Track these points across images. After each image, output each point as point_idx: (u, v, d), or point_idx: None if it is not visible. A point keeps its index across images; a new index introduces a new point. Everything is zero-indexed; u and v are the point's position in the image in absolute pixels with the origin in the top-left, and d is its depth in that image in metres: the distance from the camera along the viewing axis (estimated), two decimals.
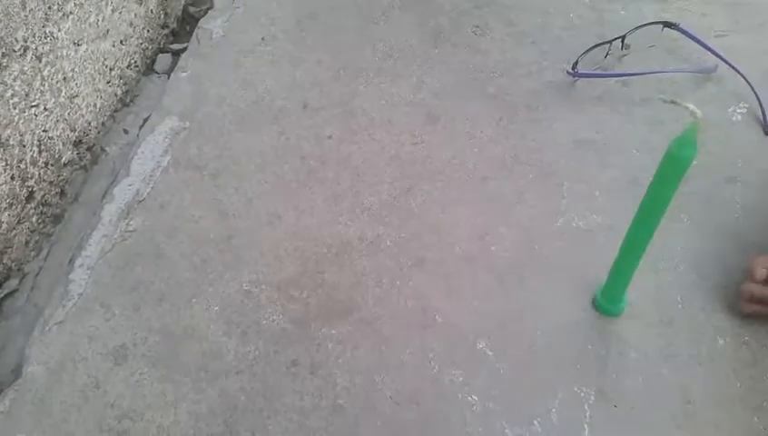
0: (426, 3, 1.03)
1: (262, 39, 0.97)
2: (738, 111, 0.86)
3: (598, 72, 0.90)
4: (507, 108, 0.87)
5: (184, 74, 0.92)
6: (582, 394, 0.61)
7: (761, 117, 0.85)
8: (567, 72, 0.89)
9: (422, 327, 0.66)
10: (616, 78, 0.89)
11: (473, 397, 0.61)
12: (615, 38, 0.91)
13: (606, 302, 0.65)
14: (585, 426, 0.59)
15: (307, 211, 0.76)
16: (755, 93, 0.87)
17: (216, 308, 0.67)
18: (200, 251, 0.72)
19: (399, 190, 0.78)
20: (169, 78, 0.92)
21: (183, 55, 0.95)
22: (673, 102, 0.50)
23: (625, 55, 0.94)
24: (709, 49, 0.91)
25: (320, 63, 0.93)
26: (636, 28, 0.93)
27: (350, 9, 1.02)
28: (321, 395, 0.61)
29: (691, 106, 0.48)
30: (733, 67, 0.89)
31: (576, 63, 0.88)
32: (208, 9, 1.03)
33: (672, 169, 0.52)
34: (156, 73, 0.96)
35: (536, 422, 0.59)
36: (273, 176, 0.79)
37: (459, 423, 0.59)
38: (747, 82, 0.88)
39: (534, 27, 0.98)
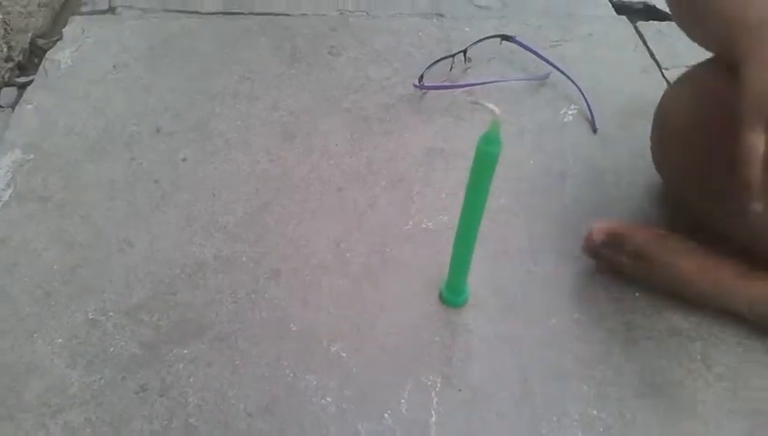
0: (282, 26, 1.06)
1: (114, 67, 0.96)
2: (569, 112, 0.95)
3: (444, 84, 0.96)
4: (360, 122, 0.91)
5: (30, 106, 0.89)
6: (429, 383, 0.63)
7: (589, 117, 0.94)
8: (414, 85, 0.94)
9: (277, 337, 0.67)
10: (461, 89, 0.96)
11: (327, 399, 0.62)
12: (458, 52, 0.98)
13: (450, 295, 0.69)
14: (433, 412, 0.61)
15: (160, 234, 0.75)
16: (584, 96, 0.95)
17: (60, 340, 0.65)
18: (43, 284, 0.69)
19: (255, 207, 0.79)
20: (13, 111, 0.89)
21: (30, 88, 0.92)
22: (476, 103, 0.55)
23: (468, 68, 1.00)
24: (543, 58, 1.00)
25: (173, 88, 0.93)
26: (477, 42, 1.00)
27: (206, 34, 1.04)
28: (172, 417, 0.60)
29: (490, 105, 0.53)
30: (563, 73, 0.98)
31: (422, 76, 0.94)
32: (57, 40, 1.00)
33: (482, 165, 0.56)
34: (0, 107, 0.92)
35: (386, 415, 0.61)
36: (124, 203, 0.78)
37: (314, 426, 0.60)
38: (577, 86, 0.97)
39: (385, 46, 1.03)
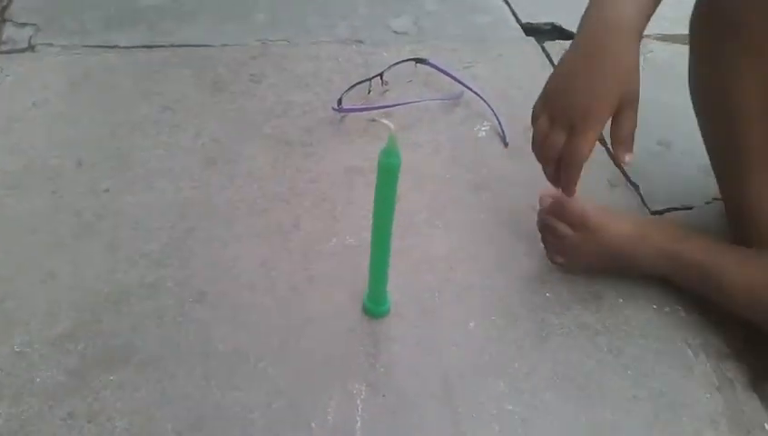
0: (203, 57, 1.09)
1: (33, 104, 0.96)
2: (482, 128, 1.01)
3: (362, 106, 1.00)
4: (283, 146, 0.94)
5: None
6: (354, 391, 0.66)
7: (500, 133, 1.00)
8: (333, 109, 0.98)
9: (204, 358, 0.68)
10: (379, 110, 1.00)
11: (254, 414, 0.64)
12: (375, 76, 1.03)
13: (372, 306, 0.72)
14: (358, 418, 0.64)
15: (83, 264, 0.75)
16: (494, 113, 1.02)
17: None
18: None
19: (180, 232, 0.80)
20: None
21: None
22: (373, 120, 0.58)
23: (386, 90, 1.05)
24: (456, 79, 1.06)
25: (94, 121, 0.94)
26: (393, 66, 1.05)
27: (126, 67, 1.05)
28: None
29: (385, 121, 0.57)
30: (475, 93, 1.04)
31: (341, 100, 0.98)
32: None
33: (385, 177, 0.60)
34: None
35: (313, 425, 0.63)
36: (47, 235, 0.78)
37: None
38: (488, 104, 1.03)
39: (306, 72, 1.07)
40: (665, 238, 0.74)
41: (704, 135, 0.78)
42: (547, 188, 0.75)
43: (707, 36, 0.72)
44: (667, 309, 0.76)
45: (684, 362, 0.71)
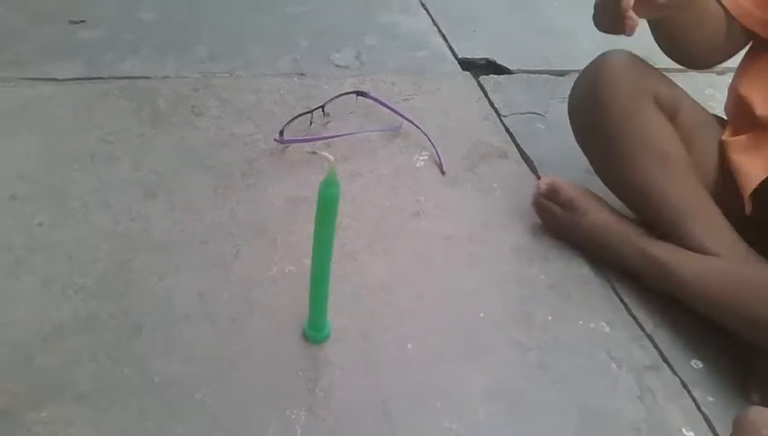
0: (143, 89, 1.09)
1: None
2: (421, 158, 1.04)
3: (304, 137, 1.02)
4: (224, 177, 0.94)
5: None
6: (293, 417, 0.66)
7: (438, 162, 1.03)
8: (275, 139, 0.99)
9: (141, 391, 0.67)
10: (321, 141, 1.03)
11: None
12: (316, 108, 1.05)
13: (312, 332, 0.73)
14: None
15: (14, 300, 0.74)
16: (432, 143, 1.05)
17: None
18: None
19: (116, 265, 0.79)
20: None
21: None
22: (314, 152, 0.61)
23: (328, 122, 1.08)
24: (395, 111, 1.09)
25: (29, 154, 0.93)
26: (333, 98, 1.08)
27: (63, 99, 1.04)
28: None
29: (325, 154, 0.59)
30: (413, 124, 1.08)
31: (282, 131, 1.00)
32: None
33: (325, 206, 0.62)
34: None
35: None
36: None
37: None
38: (425, 134, 1.06)
39: (248, 104, 1.09)
40: (637, 233, 0.85)
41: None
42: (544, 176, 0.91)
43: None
44: (592, 325, 0.80)
45: (609, 375, 0.75)
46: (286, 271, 0.82)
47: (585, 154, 0.92)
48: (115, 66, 1.15)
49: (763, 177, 0.79)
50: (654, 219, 0.85)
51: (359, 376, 0.71)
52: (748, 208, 0.81)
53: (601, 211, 0.87)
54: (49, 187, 0.88)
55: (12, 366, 0.67)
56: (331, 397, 0.69)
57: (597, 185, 0.91)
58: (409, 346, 0.75)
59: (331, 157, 0.60)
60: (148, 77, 1.13)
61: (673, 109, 0.86)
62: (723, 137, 0.88)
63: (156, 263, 0.80)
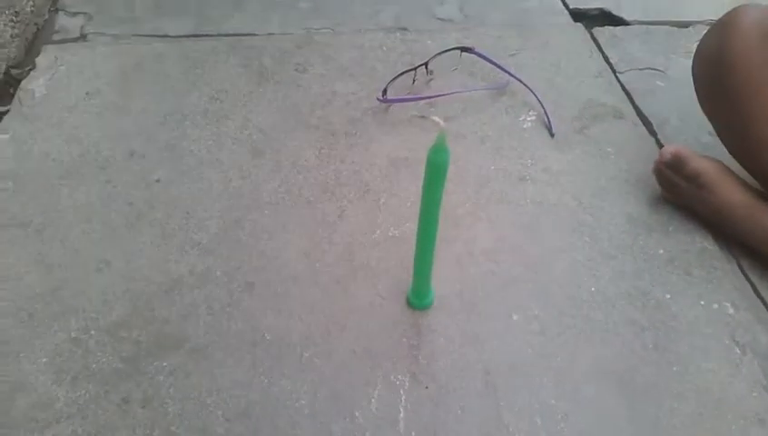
0: (249, 46, 1.10)
1: (87, 94, 0.99)
2: (528, 118, 0.99)
3: (407, 96, 1.00)
4: (328, 136, 0.94)
5: (5, 136, 0.92)
6: (398, 382, 0.67)
7: (546, 123, 0.98)
8: (378, 99, 0.98)
9: (252, 346, 0.70)
10: (424, 101, 1.00)
11: (301, 402, 0.65)
12: (420, 65, 1.02)
13: (415, 298, 0.73)
14: (401, 409, 0.65)
15: (136, 253, 0.78)
16: (540, 102, 1.00)
17: (44, 359, 0.68)
18: (26, 306, 0.72)
19: (228, 223, 0.82)
20: None
21: (5, 117, 0.95)
22: (422, 116, 0.58)
23: (431, 80, 1.05)
24: (501, 68, 1.04)
25: (145, 111, 0.97)
26: (437, 55, 1.04)
27: (175, 57, 1.07)
28: (154, 425, 0.63)
29: (435, 118, 0.57)
30: (521, 81, 1.03)
31: (386, 90, 0.98)
32: (30, 70, 1.03)
33: (433, 173, 0.60)
34: None
35: (357, 414, 0.64)
36: (101, 225, 0.81)
37: (288, 428, 0.64)
38: (533, 93, 1.01)
39: (351, 61, 1.08)
40: None
41: None
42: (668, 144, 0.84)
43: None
44: (715, 305, 0.75)
45: (731, 360, 0.70)
46: (389, 234, 0.82)
47: (710, 122, 0.84)
48: (223, 23, 1.16)
49: None
50: None
51: (462, 345, 0.71)
52: None
53: (732, 189, 0.79)
54: (164, 143, 0.92)
55: (136, 316, 0.72)
56: (434, 365, 0.69)
57: (725, 151, 0.83)
58: (514, 317, 0.73)
59: (441, 122, 0.57)
60: (254, 34, 1.14)
61: None
62: None
63: (266, 222, 0.82)
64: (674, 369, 0.69)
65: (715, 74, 0.79)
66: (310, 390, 0.66)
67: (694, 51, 0.84)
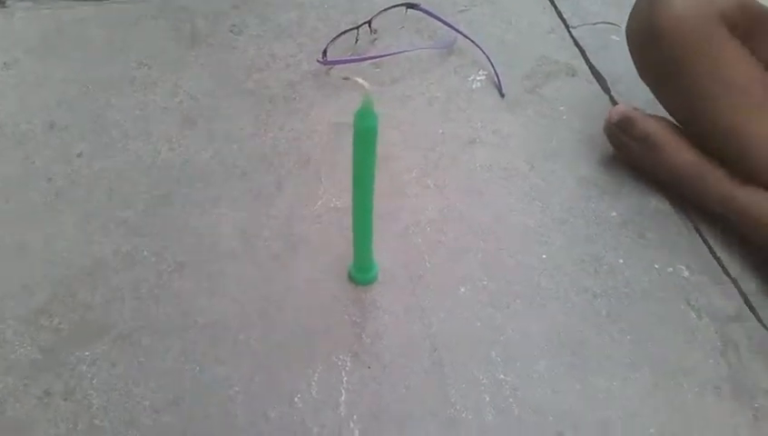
0: (180, 8, 1.02)
1: (4, 64, 0.91)
2: (478, 78, 0.94)
3: (349, 57, 0.94)
4: (265, 102, 0.88)
5: None
6: (339, 363, 0.63)
7: (497, 82, 0.94)
8: (318, 60, 0.92)
9: (183, 331, 0.65)
10: (367, 61, 0.94)
11: (235, 388, 0.61)
12: (362, 24, 0.96)
13: (358, 273, 0.69)
14: (343, 391, 0.61)
15: (56, 234, 0.72)
16: (490, 61, 0.95)
17: None
18: None
19: (156, 198, 0.76)
20: None
21: None
22: (347, 78, 0.54)
23: (376, 39, 0.99)
24: (449, 25, 0.99)
25: (66, 80, 0.89)
26: (380, 12, 0.98)
27: (100, 21, 0.99)
28: (77, 419, 0.59)
29: (359, 80, 0.52)
30: (470, 39, 0.97)
31: (326, 51, 0.92)
32: None
33: (362, 140, 0.56)
34: None
35: (296, 399, 0.61)
36: (18, 204, 0.75)
37: (222, 416, 0.59)
38: (483, 52, 0.96)
39: (289, 22, 1.01)
40: (719, 176, 0.75)
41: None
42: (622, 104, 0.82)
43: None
44: (670, 269, 0.72)
45: (687, 326, 0.68)
46: (331, 205, 0.77)
47: (652, 91, 0.81)
48: None
49: None
50: (737, 160, 0.74)
51: (407, 322, 0.67)
52: None
53: (681, 149, 0.77)
54: (88, 114, 0.85)
55: (56, 303, 0.66)
56: (378, 343, 0.65)
57: None
58: (462, 290, 0.70)
59: (366, 84, 0.52)
60: None
61: (749, 28, 0.73)
62: None
63: (197, 197, 0.77)
64: (628, 338, 0.67)
65: (646, 44, 0.76)
66: (245, 375, 0.62)
67: (627, 21, 0.80)
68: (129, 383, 0.61)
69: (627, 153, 0.82)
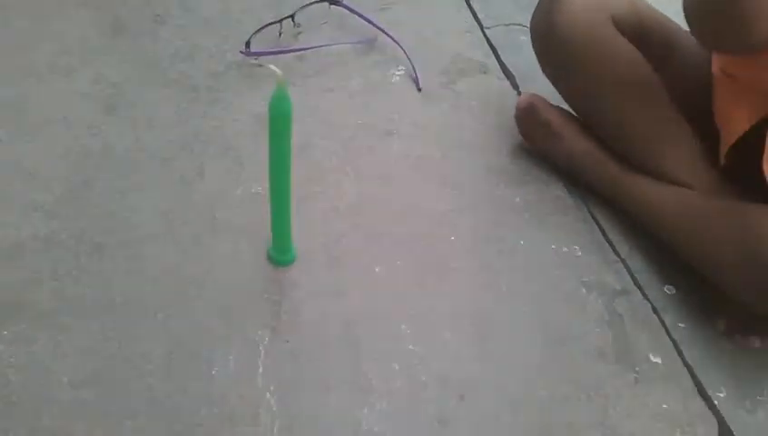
0: None
1: None
2: (396, 73, 0.99)
3: (272, 49, 0.97)
4: (188, 91, 0.90)
5: None
6: (257, 338, 0.66)
7: (414, 77, 0.99)
8: (241, 52, 0.94)
9: (104, 310, 0.67)
10: (290, 54, 0.97)
11: (155, 363, 0.63)
12: (285, 17, 0.99)
13: (276, 254, 0.72)
14: (260, 364, 0.64)
15: None
16: (408, 57, 1.00)
17: None
18: None
19: (76, 183, 0.77)
20: None
21: None
22: (260, 65, 0.57)
23: (299, 33, 1.02)
24: (370, 22, 1.03)
25: None
26: (304, 6, 1.01)
27: (20, 7, 0.98)
28: None
29: (272, 67, 0.55)
30: (389, 36, 1.02)
31: (249, 43, 0.94)
32: None
33: (277, 125, 0.59)
34: None
35: (214, 372, 0.63)
36: None
37: (141, 390, 0.61)
38: (401, 48, 1.01)
39: (214, 12, 1.03)
40: (612, 163, 0.82)
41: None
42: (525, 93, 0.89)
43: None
44: (565, 249, 0.79)
45: (578, 300, 0.75)
46: (252, 191, 0.80)
47: (552, 84, 0.87)
48: None
49: (746, 129, 0.74)
50: (625, 150, 0.82)
51: (324, 299, 0.71)
52: (722, 160, 0.77)
53: (578, 137, 0.84)
54: (6, 101, 0.84)
55: None
56: (296, 319, 0.69)
57: None
58: (377, 269, 0.74)
59: (279, 71, 0.56)
60: None
61: (637, 29, 0.81)
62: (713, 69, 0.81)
63: (118, 181, 0.78)
64: (524, 309, 0.73)
65: (545, 41, 0.83)
66: (164, 351, 0.64)
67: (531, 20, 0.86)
68: (47, 361, 0.62)
69: (533, 141, 0.88)
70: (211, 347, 0.65)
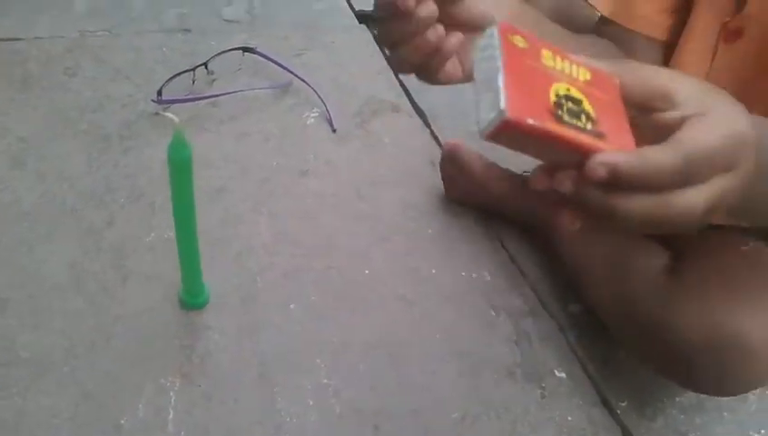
0: (12, 51, 1.02)
1: None
2: (311, 115, 1.02)
3: (185, 97, 0.98)
4: (99, 141, 0.90)
5: None
6: (168, 384, 0.66)
7: (328, 118, 1.02)
8: (152, 100, 0.95)
9: (6, 366, 0.65)
10: (204, 101, 0.99)
11: (61, 417, 0.62)
12: (198, 65, 1.01)
13: (188, 297, 0.72)
14: (171, 410, 0.64)
15: None
16: (321, 99, 1.03)
17: None
18: None
19: None
20: None
21: None
22: (157, 113, 0.58)
23: (214, 80, 1.04)
24: (284, 67, 1.06)
25: None
26: (217, 55, 1.04)
27: None
28: None
29: (169, 115, 0.57)
30: (302, 80, 1.05)
31: (161, 91, 0.95)
32: None
33: (178, 171, 0.60)
34: None
35: (122, 421, 0.62)
36: None
37: None
38: (315, 91, 1.04)
39: (126, 63, 1.04)
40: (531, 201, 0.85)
41: None
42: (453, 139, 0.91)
43: None
44: (474, 275, 0.82)
45: (487, 322, 0.77)
46: (165, 236, 0.79)
47: None
48: None
49: None
50: None
51: (237, 340, 0.71)
52: None
53: (499, 183, 0.87)
54: None
55: None
56: (208, 362, 0.68)
57: None
58: (292, 306, 0.75)
59: (176, 118, 0.57)
60: (18, 38, 1.05)
61: None
62: None
63: (24, 235, 0.77)
64: (437, 336, 0.75)
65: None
66: (70, 404, 0.63)
67: None
68: None
69: (453, 183, 0.90)
70: (119, 396, 0.64)
